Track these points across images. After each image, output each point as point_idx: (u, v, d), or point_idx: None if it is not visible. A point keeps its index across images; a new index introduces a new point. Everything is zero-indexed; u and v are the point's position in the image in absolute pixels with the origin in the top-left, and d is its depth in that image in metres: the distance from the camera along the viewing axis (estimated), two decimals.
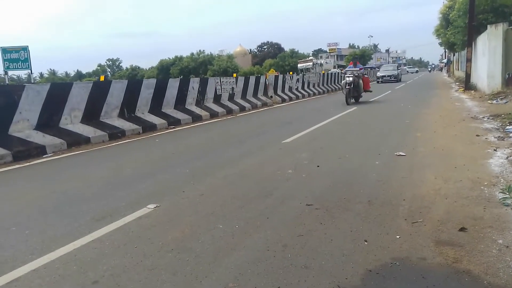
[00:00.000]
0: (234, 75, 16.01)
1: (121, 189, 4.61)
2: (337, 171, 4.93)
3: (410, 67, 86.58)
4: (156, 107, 10.30)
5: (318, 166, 5.16)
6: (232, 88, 13.83)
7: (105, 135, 8.49)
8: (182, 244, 3.02)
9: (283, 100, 17.37)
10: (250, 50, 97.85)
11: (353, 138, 7.40)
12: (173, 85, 10.92)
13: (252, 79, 15.46)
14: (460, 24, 18.69)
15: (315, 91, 21.52)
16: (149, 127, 9.69)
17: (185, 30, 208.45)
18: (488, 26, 14.12)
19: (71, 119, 8.13)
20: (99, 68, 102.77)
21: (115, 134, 8.74)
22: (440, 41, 31.99)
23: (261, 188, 4.35)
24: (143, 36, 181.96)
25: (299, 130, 8.29)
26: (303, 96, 19.65)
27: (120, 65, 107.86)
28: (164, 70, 75.56)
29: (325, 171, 4.93)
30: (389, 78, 31.65)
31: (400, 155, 5.56)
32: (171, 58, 78.20)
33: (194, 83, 11.89)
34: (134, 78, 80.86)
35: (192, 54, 76.38)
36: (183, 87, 11.30)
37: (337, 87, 25.04)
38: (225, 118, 12.11)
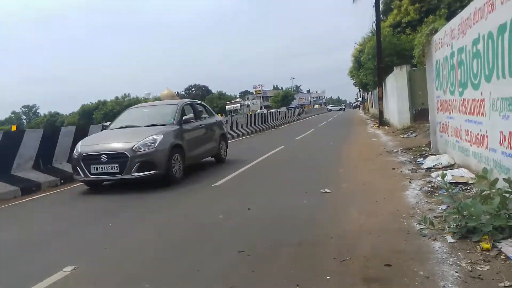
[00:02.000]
0: None
1: (34, 252, 4.13)
2: (267, 213, 4.93)
3: (333, 106, 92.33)
4: None
5: (249, 209, 5.13)
6: None
7: (16, 190, 7.68)
8: None
9: None
10: (178, 92, 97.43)
11: (282, 177, 7.54)
12: (94, 131, 10.38)
13: None
14: (370, 66, 20.60)
15: (244, 132, 21.89)
16: (69, 178, 8.99)
17: (110, 73, 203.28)
18: (394, 68, 15.74)
19: None
20: (13, 115, 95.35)
21: (29, 188, 7.95)
22: (354, 81, 34.90)
23: (191, 238, 4.18)
24: (62, 80, 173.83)
25: (229, 172, 8.26)
26: (232, 137, 19.82)
27: (37, 111, 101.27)
28: (87, 115, 72.33)
29: (256, 214, 4.91)
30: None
31: (326, 191, 5.76)
32: (93, 102, 75.25)
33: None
34: (53, 124, 76.00)
35: (117, 97, 74.36)
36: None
37: (264, 127, 25.76)
38: None
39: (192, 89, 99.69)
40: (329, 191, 5.79)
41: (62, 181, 8.73)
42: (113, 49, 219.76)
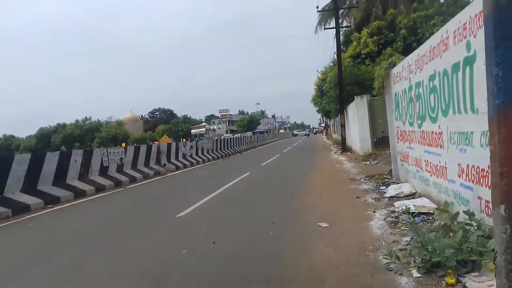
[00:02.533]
0: (123, 144, 15.31)
1: None
2: (233, 247, 4.78)
3: (299, 130, 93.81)
4: (30, 185, 9.10)
5: (214, 243, 4.96)
6: (121, 159, 13.10)
7: None
8: None
9: (177, 168, 17.02)
10: (142, 116, 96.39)
11: (248, 206, 7.42)
12: (51, 159, 9.88)
13: (143, 148, 14.92)
14: (332, 95, 21.23)
15: (209, 157, 21.68)
16: (21, 209, 8.42)
17: (69, 95, 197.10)
18: (355, 97, 16.28)
19: None
20: None
21: None
22: (317, 108, 35.79)
23: (152, 278, 3.94)
24: (18, 101, 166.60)
25: (194, 201, 8.05)
26: (198, 163, 19.58)
27: None
28: (45, 139, 69.31)
29: (221, 248, 4.75)
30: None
31: (291, 222, 5.70)
32: (52, 126, 72.37)
33: (77, 155, 10.94)
34: (8, 148, 72.15)
35: (77, 121, 71.94)
36: (63, 161, 10.29)
37: (230, 152, 25.66)
38: (113, 191, 11.25)
39: (157, 113, 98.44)
40: (294, 222, 5.75)
41: (12, 212, 8.16)
42: (74, 70, 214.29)
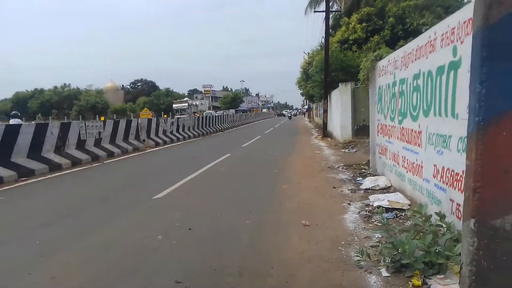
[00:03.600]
0: (102, 118, 14.99)
1: None
2: (209, 235, 4.80)
3: (286, 111, 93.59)
4: (3, 156, 8.85)
5: (190, 229, 4.97)
6: (99, 133, 12.85)
7: None
8: None
9: (157, 144, 16.86)
10: (123, 86, 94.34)
11: (226, 191, 7.44)
12: (26, 131, 9.60)
13: (122, 123, 14.67)
14: (317, 79, 21.17)
15: (190, 134, 21.52)
16: None
17: (49, 60, 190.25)
18: (340, 84, 16.29)
19: None
20: None
21: None
22: (302, 91, 35.74)
23: (126, 263, 3.94)
24: None
25: (173, 182, 8.01)
26: (178, 140, 19.42)
27: None
28: (21, 103, 67.13)
29: (197, 236, 4.76)
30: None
31: (269, 212, 5.75)
32: (29, 90, 70.03)
33: (54, 128, 10.67)
34: None
35: (56, 87, 69.79)
36: (39, 133, 10.02)
37: (211, 130, 25.52)
38: (90, 165, 11.08)
39: (138, 84, 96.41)
40: (272, 211, 5.80)
41: None
42: (53, 34, 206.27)
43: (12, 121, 11.89)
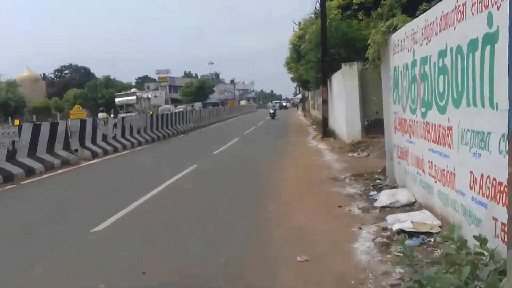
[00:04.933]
0: (17, 121, 14.77)
1: None
2: (169, 282, 4.79)
3: (276, 102, 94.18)
4: None
5: (144, 273, 4.94)
6: (13, 142, 12.64)
7: None
8: None
9: (95, 155, 16.68)
10: (44, 75, 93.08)
11: (192, 216, 7.44)
12: None
13: (45, 127, 14.47)
14: (312, 59, 21.37)
15: (141, 139, 21.41)
16: None
17: None
18: (342, 64, 16.46)
19: None
20: None
21: None
22: (293, 75, 36.04)
23: None
24: None
25: (115, 209, 7.92)
26: (124, 147, 19.30)
27: None
28: None
29: (154, 283, 4.75)
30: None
31: (249, 245, 5.79)
32: None
33: None
34: None
35: None
36: None
37: (171, 132, 25.44)
38: (0, 189, 10.90)
39: (66, 71, 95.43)
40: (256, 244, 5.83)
41: None
42: None
43: None
